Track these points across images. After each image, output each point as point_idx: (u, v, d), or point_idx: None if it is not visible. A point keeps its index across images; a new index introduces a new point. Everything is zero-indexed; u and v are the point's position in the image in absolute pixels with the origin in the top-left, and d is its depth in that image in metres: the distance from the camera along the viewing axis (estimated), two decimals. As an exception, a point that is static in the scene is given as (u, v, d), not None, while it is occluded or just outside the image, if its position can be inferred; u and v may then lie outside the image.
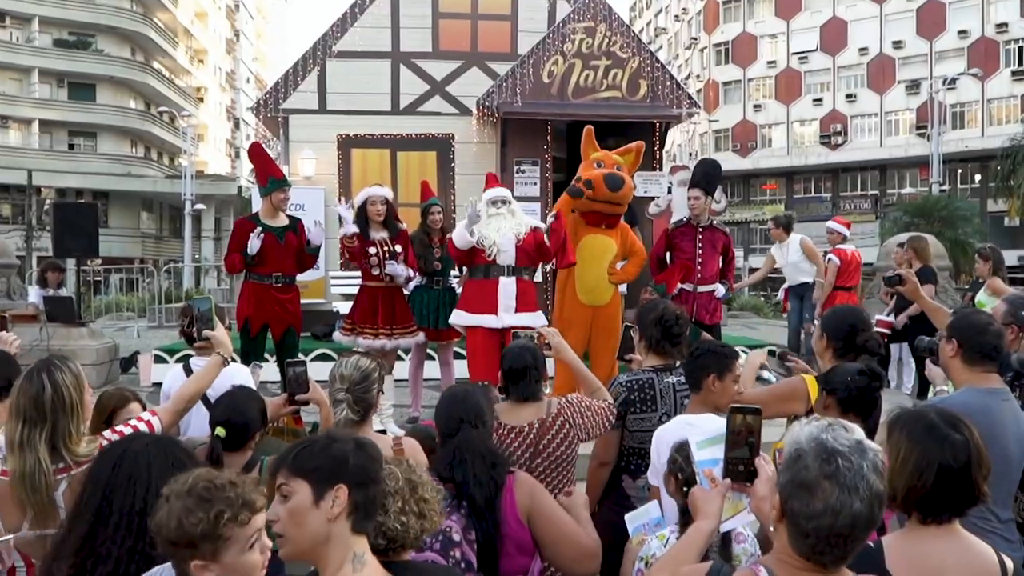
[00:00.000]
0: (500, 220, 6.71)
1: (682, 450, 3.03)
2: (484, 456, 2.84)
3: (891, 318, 9.41)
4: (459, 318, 6.83)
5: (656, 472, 3.23)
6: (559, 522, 2.90)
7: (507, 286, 6.64)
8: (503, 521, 2.79)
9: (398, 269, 7.23)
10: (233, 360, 3.60)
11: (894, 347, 9.84)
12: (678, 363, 3.99)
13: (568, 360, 4.01)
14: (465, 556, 2.68)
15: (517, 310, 6.64)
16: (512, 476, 2.92)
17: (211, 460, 3.18)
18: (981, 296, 7.83)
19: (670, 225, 7.98)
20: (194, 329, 3.76)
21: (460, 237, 6.58)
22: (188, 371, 4.29)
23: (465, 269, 7.18)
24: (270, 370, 7.45)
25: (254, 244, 6.75)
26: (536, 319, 6.66)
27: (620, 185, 6.82)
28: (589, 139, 7.37)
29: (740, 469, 2.23)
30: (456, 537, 2.68)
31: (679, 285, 7.55)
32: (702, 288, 7.61)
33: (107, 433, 2.98)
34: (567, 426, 3.54)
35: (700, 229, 7.65)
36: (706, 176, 7.81)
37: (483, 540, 2.73)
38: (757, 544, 2.87)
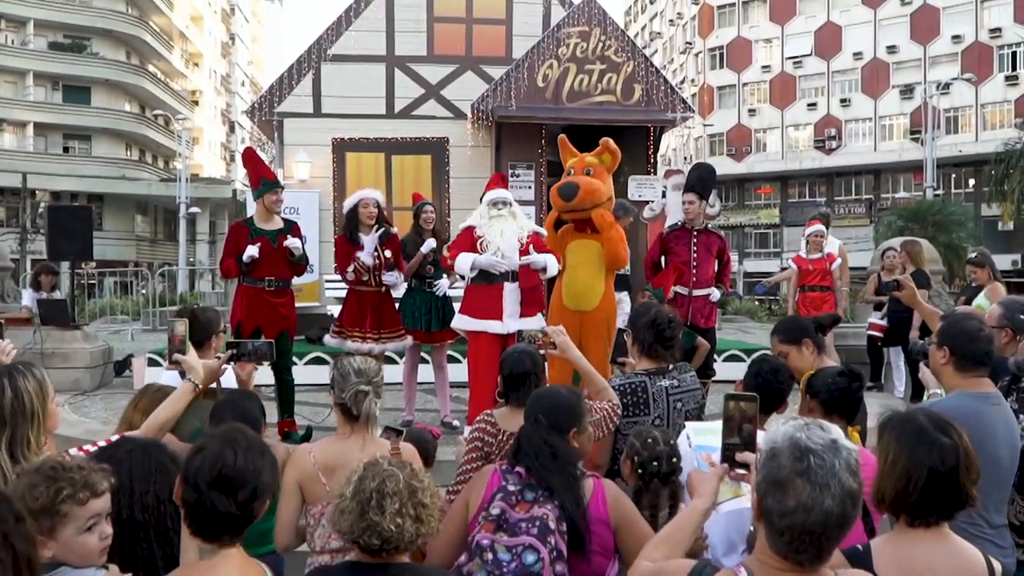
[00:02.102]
0: (502, 222, 6.67)
1: (640, 435, 3.20)
2: (556, 454, 2.85)
3: (883, 321, 9.45)
4: (463, 323, 6.80)
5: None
6: (642, 531, 2.88)
7: (511, 292, 6.63)
8: (591, 517, 2.80)
9: (390, 278, 7.24)
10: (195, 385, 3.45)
11: (886, 351, 9.86)
12: (670, 366, 4.00)
13: (574, 359, 3.96)
14: (558, 545, 2.68)
15: (521, 315, 6.64)
16: (599, 480, 2.94)
17: None
18: (982, 302, 7.83)
19: (665, 229, 7.97)
20: (167, 350, 3.71)
21: (462, 266, 6.59)
22: (183, 373, 4.26)
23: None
24: (264, 373, 7.43)
25: (251, 252, 6.74)
26: (539, 323, 6.65)
27: (572, 194, 6.61)
28: (564, 147, 7.33)
29: (736, 457, 2.28)
30: (552, 525, 2.69)
31: (674, 288, 7.55)
32: (697, 292, 7.60)
33: (72, 451, 2.93)
34: None
35: (695, 233, 7.64)
36: (701, 180, 7.80)
37: (572, 534, 2.73)
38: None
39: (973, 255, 8.58)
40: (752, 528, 2.02)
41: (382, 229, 7.29)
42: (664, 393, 3.88)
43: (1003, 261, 30.79)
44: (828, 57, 49.28)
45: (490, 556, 2.65)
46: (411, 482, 2.31)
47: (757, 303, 22.92)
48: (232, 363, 3.75)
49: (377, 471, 2.32)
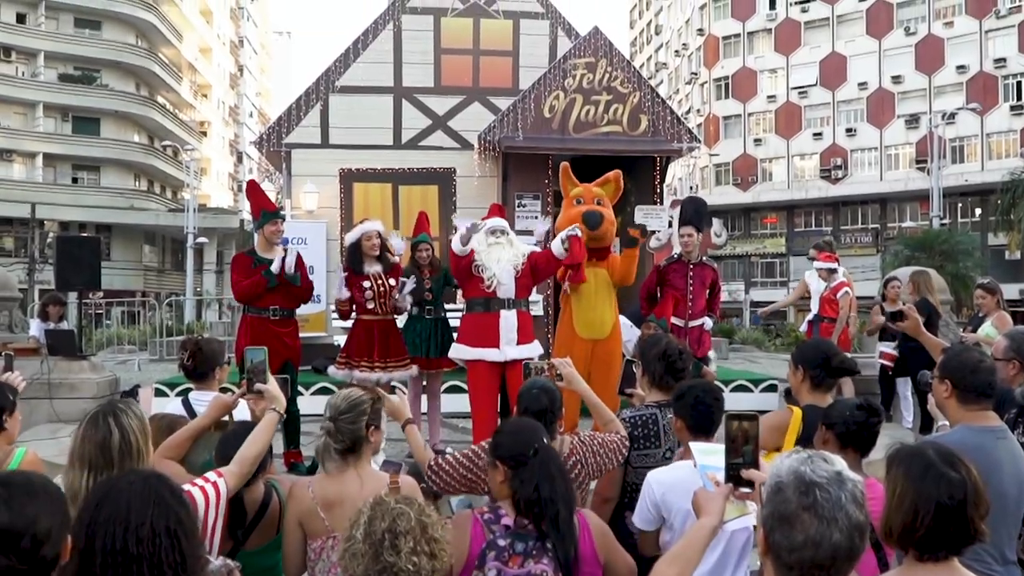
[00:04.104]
0: (500, 250, 6.71)
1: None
2: (564, 475, 2.84)
3: (895, 350, 9.37)
4: (460, 352, 6.81)
5: (641, 514, 3.22)
6: (624, 560, 2.97)
7: (508, 319, 6.63)
8: (581, 557, 2.77)
9: (407, 298, 7.36)
10: (283, 415, 3.49)
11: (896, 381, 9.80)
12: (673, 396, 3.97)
13: (580, 391, 3.96)
14: None
15: (518, 343, 6.64)
16: (581, 514, 2.92)
17: (233, 500, 3.17)
18: (989, 330, 7.80)
19: (662, 262, 8.06)
20: (245, 379, 3.67)
21: (457, 249, 6.60)
22: (187, 405, 4.26)
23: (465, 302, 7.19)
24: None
25: (289, 262, 6.82)
26: (535, 350, 6.69)
27: (599, 223, 6.87)
28: (566, 175, 7.40)
29: (740, 475, 2.31)
30: None
31: (671, 320, 7.63)
32: (693, 323, 7.72)
33: (185, 485, 2.94)
34: (579, 466, 3.52)
35: (691, 265, 7.74)
36: (697, 213, 7.94)
37: (565, 565, 2.72)
38: None
39: (986, 280, 8.56)
40: (760, 563, 2.01)
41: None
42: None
43: (1010, 290, 30.71)
44: (833, 87, 49.47)
45: None
46: (422, 518, 2.30)
47: (764, 332, 22.86)
48: (247, 398, 3.76)
49: (386, 510, 2.31)
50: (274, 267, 6.78)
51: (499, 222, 6.94)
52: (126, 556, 2.17)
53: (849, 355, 9.77)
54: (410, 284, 7.52)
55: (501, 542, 2.71)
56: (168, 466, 3.50)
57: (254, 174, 55.27)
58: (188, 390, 4.62)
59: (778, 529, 1.83)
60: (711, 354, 8.37)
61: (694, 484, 2.53)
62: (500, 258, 6.65)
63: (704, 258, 7.96)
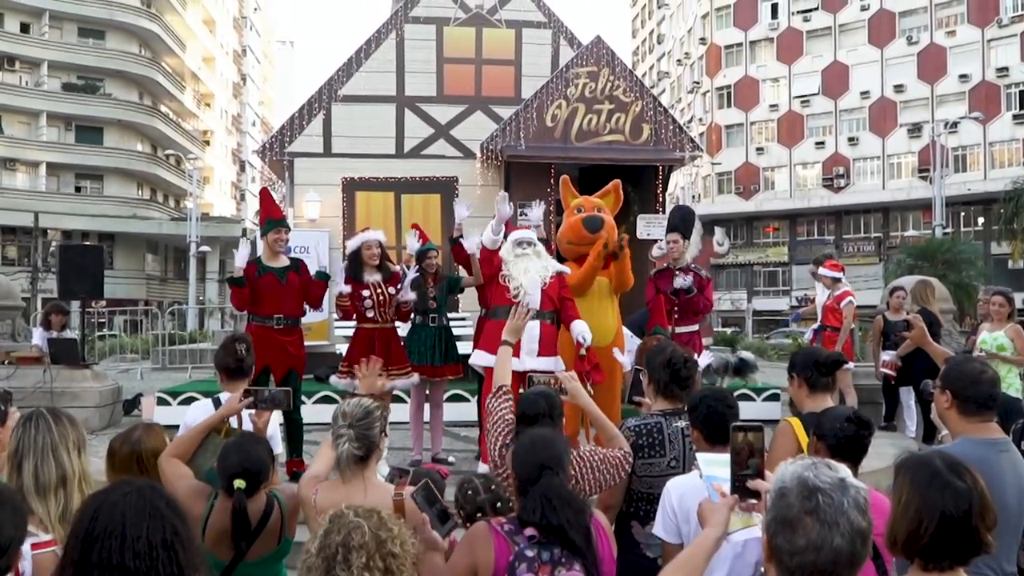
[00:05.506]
0: (527, 261, 6.67)
1: (461, 488, 3.29)
2: (570, 502, 2.79)
3: (895, 359, 9.36)
4: (480, 358, 6.75)
5: (663, 524, 3.22)
6: None
7: (531, 330, 6.49)
8: (600, 559, 2.79)
9: (409, 290, 7.40)
10: None
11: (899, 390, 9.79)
12: (686, 407, 3.96)
13: (584, 405, 3.93)
14: None
15: (539, 354, 6.59)
16: (594, 518, 2.92)
17: (236, 512, 3.16)
18: (1003, 341, 7.78)
19: (652, 272, 8.13)
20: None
21: (488, 239, 6.64)
22: (217, 404, 4.24)
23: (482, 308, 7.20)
24: (273, 412, 7.40)
25: (242, 254, 6.88)
26: (556, 364, 6.59)
27: (599, 226, 6.90)
28: (566, 188, 7.46)
29: (747, 485, 2.32)
30: None
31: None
32: (680, 329, 7.74)
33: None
34: (575, 482, 3.45)
35: (678, 272, 7.80)
36: (684, 220, 8.03)
37: None
38: None
39: (1002, 288, 8.54)
40: (763, 570, 2.01)
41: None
42: (680, 434, 3.82)
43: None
44: (836, 96, 49.51)
45: None
46: (378, 532, 2.26)
47: (767, 340, 22.84)
48: (250, 409, 3.75)
49: (342, 523, 2.27)
50: (238, 262, 6.92)
51: (525, 233, 6.95)
52: (123, 571, 2.14)
53: (851, 364, 9.78)
54: (412, 273, 7.53)
55: (528, 552, 2.70)
56: (176, 466, 3.50)
57: (257, 183, 55.33)
58: (192, 399, 4.61)
59: (780, 533, 1.84)
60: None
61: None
62: (528, 268, 6.61)
63: (693, 265, 8.02)
